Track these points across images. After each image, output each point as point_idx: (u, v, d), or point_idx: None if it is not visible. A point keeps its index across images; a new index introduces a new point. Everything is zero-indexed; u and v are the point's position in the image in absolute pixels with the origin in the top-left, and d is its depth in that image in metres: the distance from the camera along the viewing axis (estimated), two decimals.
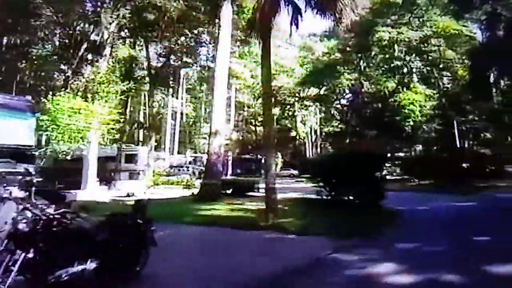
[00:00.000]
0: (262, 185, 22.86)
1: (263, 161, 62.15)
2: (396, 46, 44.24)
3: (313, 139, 69.86)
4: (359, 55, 48.64)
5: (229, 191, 25.31)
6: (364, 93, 52.16)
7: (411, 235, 12.23)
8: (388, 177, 36.98)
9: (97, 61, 34.66)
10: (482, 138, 50.17)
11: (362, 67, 49.62)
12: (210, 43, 44.46)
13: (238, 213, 16.71)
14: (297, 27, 17.38)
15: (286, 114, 70.46)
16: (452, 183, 28.12)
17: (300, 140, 72.98)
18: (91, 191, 24.07)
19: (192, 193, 24.97)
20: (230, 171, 51.12)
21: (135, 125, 50.02)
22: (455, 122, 45.57)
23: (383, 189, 18.33)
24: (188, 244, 11.05)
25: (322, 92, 57.55)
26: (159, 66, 47.25)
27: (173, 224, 13.06)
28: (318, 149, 68.60)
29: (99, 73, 31.06)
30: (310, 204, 19.53)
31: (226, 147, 44.45)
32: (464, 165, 33.42)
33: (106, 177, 29.46)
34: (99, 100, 26.98)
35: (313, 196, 20.33)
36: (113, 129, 26.66)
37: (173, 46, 44.61)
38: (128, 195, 23.87)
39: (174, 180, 36.20)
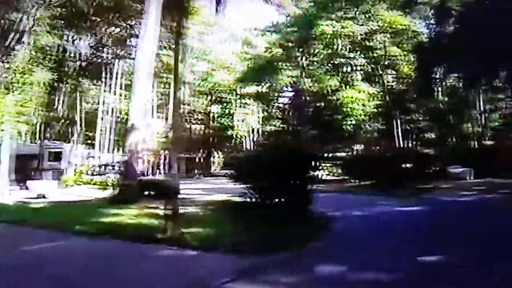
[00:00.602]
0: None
1: (201, 159, 60.29)
2: (339, 41, 41.92)
3: (254, 139, 66.94)
4: (301, 49, 46.13)
5: (152, 193, 22.80)
6: (305, 91, 49.74)
7: (338, 252, 9.93)
8: (328, 177, 35.25)
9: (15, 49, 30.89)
10: (425, 138, 48.73)
11: (304, 64, 47.13)
12: None
13: (145, 220, 14.46)
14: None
15: (224, 112, 68.18)
16: (393, 184, 26.27)
17: (240, 139, 70.24)
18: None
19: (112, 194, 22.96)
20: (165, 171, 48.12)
21: (66, 121, 46.19)
22: (398, 121, 43.87)
23: (314, 192, 15.62)
24: (50, 266, 8.75)
25: (262, 89, 54.84)
26: (89, 58, 43.80)
27: (59, 234, 11.82)
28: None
29: (15, 62, 27.57)
30: (233, 209, 17.05)
31: (162, 145, 41.83)
32: (407, 165, 31.24)
33: (27, 176, 27.17)
34: (13, 91, 23.88)
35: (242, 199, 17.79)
36: (27, 123, 23.67)
37: (105, 37, 41.26)
38: (38, 197, 22.54)
39: (98, 180, 33.08)
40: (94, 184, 32.20)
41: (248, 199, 15.87)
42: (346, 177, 35.73)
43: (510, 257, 8.47)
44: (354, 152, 46.37)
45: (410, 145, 49.22)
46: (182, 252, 9.69)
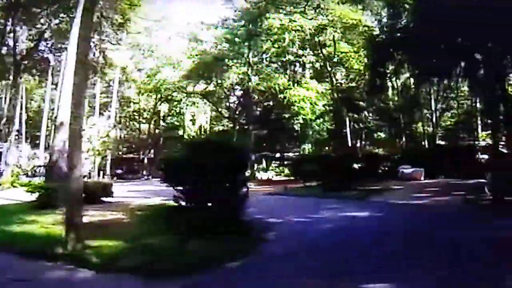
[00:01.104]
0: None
1: (145, 160, 57.14)
2: (287, 35, 39.55)
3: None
4: (248, 44, 43.59)
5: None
6: (253, 89, 47.27)
7: (261, 273, 7.95)
8: (276, 178, 33.12)
9: None
10: (375, 138, 47.00)
11: (251, 61, 44.59)
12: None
13: (59, 229, 11.34)
14: None
15: (174, 111, 65.14)
16: (342, 185, 24.40)
17: (190, 139, 67.26)
18: None
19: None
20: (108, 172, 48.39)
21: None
22: (347, 120, 41.96)
23: (247, 196, 13.33)
24: None
25: (210, 87, 51.99)
26: (28, 51, 40.50)
27: None
28: None
29: None
30: (160, 215, 14.84)
31: (103, 146, 39.08)
32: (356, 165, 29.24)
33: None
34: None
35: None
36: None
37: (43, 29, 38.17)
38: None
39: (35, 181, 30.12)
40: (30, 186, 29.00)
41: (179, 204, 13.36)
42: (294, 178, 33.59)
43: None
44: (303, 152, 44.12)
45: (360, 144, 47.46)
46: (71, 273, 7.83)
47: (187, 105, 60.48)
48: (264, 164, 41.14)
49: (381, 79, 29.47)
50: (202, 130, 63.29)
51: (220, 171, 12.15)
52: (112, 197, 20.45)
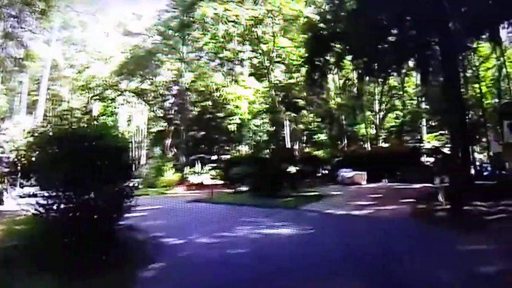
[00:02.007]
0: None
1: None
2: (221, 26, 35.32)
3: (140, 140, 58.62)
4: (181, 37, 39.15)
5: None
6: (188, 88, 42.82)
7: None
8: (210, 182, 29.69)
9: None
10: (316, 140, 43.19)
11: (185, 56, 40.22)
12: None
13: None
14: None
15: (107, 111, 59.57)
16: (274, 190, 21.05)
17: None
18: None
19: None
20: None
21: None
22: (286, 120, 38.15)
23: (130, 208, 9.79)
24: None
25: (142, 85, 47.02)
26: None
27: None
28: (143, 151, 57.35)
29: None
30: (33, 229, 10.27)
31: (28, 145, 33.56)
32: (293, 168, 25.22)
33: None
34: None
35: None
36: None
37: None
38: None
39: None
40: None
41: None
42: (225, 182, 29.74)
43: None
44: (240, 154, 39.94)
45: (299, 146, 43.67)
46: None
47: (121, 104, 55.40)
48: (199, 167, 36.65)
49: (320, 72, 25.57)
50: (139, 131, 58.10)
51: (88, 176, 8.58)
52: (2, 204, 18.70)
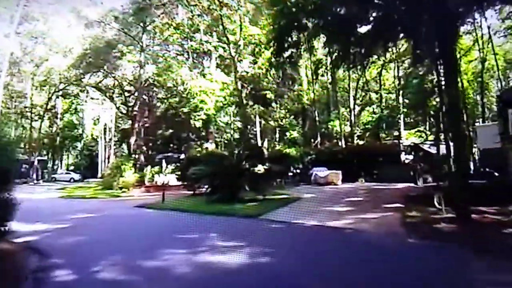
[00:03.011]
0: None
1: (36, 162, 46.99)
2: (180, 8, 31.38)
3: (108, 139, 54.07)
4: (141, 23, 35.05)
5: None
6: (152, 83, 38.78)
7: None
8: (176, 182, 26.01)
9: None
10: (288, 137, 39.34)
11: (147, 45, 36.19)
12: None
13: None
14: None
15: (72, 108, 55.06)
16: (235, 193, 17.39)
17: (92, 139, 57.55)
18: None
19: None
20: None
21: None
22: (256, 116, 34.38)
23: None
24: None
25: (107, 80, 42.81)
26: None
27: None
28: (112, 150, 52.82)
29: None
30: None
31: None
32: (261, 167, 20.97)
33: None
34: None
35: None
36: None
37: None
38: None
39: None
40: None
41: None
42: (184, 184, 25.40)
43: None
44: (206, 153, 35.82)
45: (270, 144, 39.92)
46: None
47: (84, 101, 51.00)
48: (164, 167, 32.52)
49: (288, 55, 21.37)
50: (107, 129, 53.68)
51: None
52: None
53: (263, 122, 37.96)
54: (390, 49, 22.36)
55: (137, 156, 35.80)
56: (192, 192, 22.04)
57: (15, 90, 50.32)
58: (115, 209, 17.46)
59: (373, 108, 39.69)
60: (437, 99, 24.35)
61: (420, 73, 28.35)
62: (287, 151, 30.30)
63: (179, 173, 28.34)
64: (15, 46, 43.15)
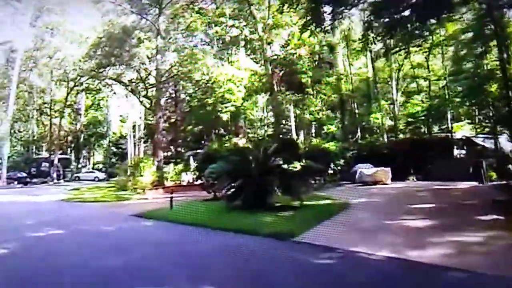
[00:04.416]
0: None
1: (56, 161, 43.89)
2: None
3: (138, 137, 50.48)
4: (156, 7, 30.95)
5: None
6: (177, 74, 34.67)
7: None
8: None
9: None
10: (326, 131, 34.58)
11: (161, 28, 31.85)
12: None
13: None
14: None
15: (94, 104, 51.78)
16: (261, 198, 12.87)
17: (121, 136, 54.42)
18: None
19: None
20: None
21: None
22: (291, 106, 29.91)
23: None
24: None
25: (129, 73, 38.86)
26: None
27: None
28: (141, 148, 49.26)
29: None
30: None
31: None
32: (297, 164, 16.25)
33: None
34: None
35: None
36: None
37: None
38: None
39: None
40: None
41: None
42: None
43: None
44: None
45: (306, 137, 35.20)
46: None
47: (109, 96, 47.25)
48: (192, 164, 28.37)
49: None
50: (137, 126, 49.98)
51: None
52: None
53: (298, 112, 33.46)
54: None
55: (160, 153, 31.80)
56: (213, 195, 17.49)
57: (33, 85, 47.27)
58: (101, 219, 12.94)
59: (422, 97, 34.38)
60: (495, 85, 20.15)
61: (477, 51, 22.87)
62: (326, 146, 25.76)
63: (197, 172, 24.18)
64: (31, 38, 41.55)
